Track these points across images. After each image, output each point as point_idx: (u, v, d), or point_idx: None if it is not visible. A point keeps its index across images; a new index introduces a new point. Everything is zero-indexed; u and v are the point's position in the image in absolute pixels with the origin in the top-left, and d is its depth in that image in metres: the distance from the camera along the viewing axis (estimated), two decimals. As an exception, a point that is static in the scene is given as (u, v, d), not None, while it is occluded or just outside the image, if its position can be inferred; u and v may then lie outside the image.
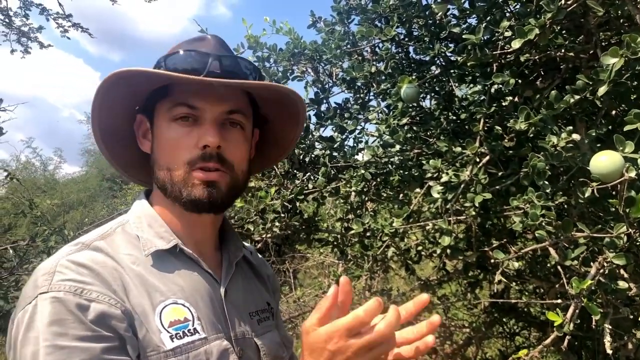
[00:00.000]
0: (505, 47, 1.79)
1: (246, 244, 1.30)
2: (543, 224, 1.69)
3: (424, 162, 2.04)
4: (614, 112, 1.87)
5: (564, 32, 1.84)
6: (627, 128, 1.39)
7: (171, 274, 0.97)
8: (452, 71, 2.11)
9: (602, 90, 1.41)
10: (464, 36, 1.81)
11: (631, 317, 1.74)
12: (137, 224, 1.02)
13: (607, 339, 1.67)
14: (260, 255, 1.35)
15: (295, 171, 2.37)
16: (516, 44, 1.56)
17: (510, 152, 1.94)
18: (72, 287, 0.84)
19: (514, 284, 3.01)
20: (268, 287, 1.25)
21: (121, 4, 5.32)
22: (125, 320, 0.85)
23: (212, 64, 0.98)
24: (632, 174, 1.35)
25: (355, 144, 2.37)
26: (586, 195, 1.60)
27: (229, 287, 1.07)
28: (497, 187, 1.86)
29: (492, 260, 1.78)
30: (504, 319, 3.33)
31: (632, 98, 1.71)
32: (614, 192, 1.71)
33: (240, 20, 2.52)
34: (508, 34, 1.74)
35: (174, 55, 0.99)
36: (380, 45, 2.30)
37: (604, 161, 1.38)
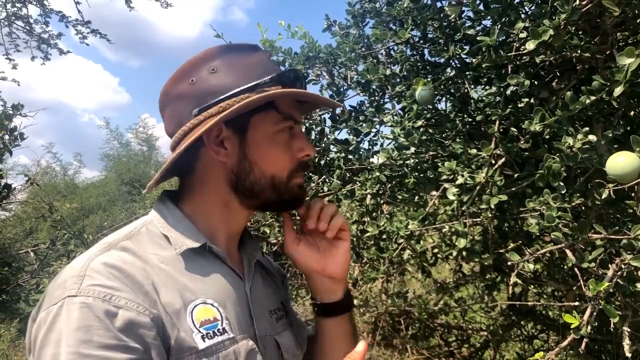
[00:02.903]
0: (521, 49, 1.79)
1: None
2: (559, 225, 1.68)
3: (439, 164, 2.04)
4: (632, 113, 1.85)
5: (579, 32, 1.83)
6: (643, 128, 1.38)
7: (200, 273, 1.00)
8: (467, 73, 2.10)
9: (617, 90, 1.40)
10: (478, 38, 1.80)
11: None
12: (164, 223, 1.05)
13: (627, 342, 1.65)
14: (267, 256, 1.38)
15: (310, 174, 2.38)
16: (530, 45, 1.55)
17: (526, 153, 1.93)
18: (101, 293, 0.84)
19: (531, 286, 2.98)
20: (277, 283, 1.28)
21: (138, 10, 5.39)
22: (153, 328, 0.86)
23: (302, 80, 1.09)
24: (650, 175, 1.34)
25: (370, 147, 2.37)
26: (603, 196, 1.59)
27: (252, 285, 1.10)
28: (513, 189, 1.85)
29: (509, 263, 1.77)
30: (522, 322, 3.30)
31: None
32: (632, 194, 1.70)
33: (256, 25, 2.54)
34: (523, 35, 1.73)
35: (287, 72, 1.05)
36: (395, 48, 2.30)
37: (620, 162, 1.37)
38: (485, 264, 2.42)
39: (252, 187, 1.06)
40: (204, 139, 1.04)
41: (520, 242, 1.96)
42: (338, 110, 2.30)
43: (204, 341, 0.92)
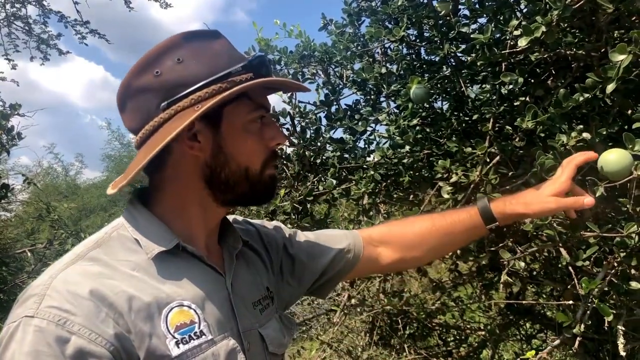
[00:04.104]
0: (516, 47, 1.78)
1: (239, 217, 1.31)
2: (554, 224, 1.67)
3: (435, 162, 2.03)
4: (630, 111, 1.84)
5: (574, 30, 1.82)
6: (635, 125, 1.37)
7: (175, 276, 0.97)
8: (462, 71, 2.10)
9: (609, 87, 1.39)
10: (472, 35, 1.80)
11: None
12: (134, 226, 1.01)
13: (621, 341, 1.64)
14: (259, 222, 1.34)
15: (306, 173, 2.38)
16: (522, 42, 1.55)
17: (521, 152, 1.93)
18: (56, 317, 0.82)
19: (530, 286, 2.97)
20: (267, 263, 1.24)
21: (140, 11, 5.40)
22: (104, 357, 0.83)
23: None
24: (642, 172, 1.33)
25: (366, 146, 2.37)
26: (597, 194, 1.58)
27: (234, 280, 1.07)
28: (508, 187, 1.85)
29: (501, 261, 1.76)
30: (520, 322, 3.28)
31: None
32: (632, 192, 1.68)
33: (259, 25, 2.52)
34: (517, 33, 1.72)
35: (255, 59, 1.02)
36: (392, 46, 2.30)
37: (612, 159, 1.35)
38: (483, 263, 2.41)
39: (227, 180, 1.02)
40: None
41: (512, 240, 1.95)
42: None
43: (179, 347, 0.89)
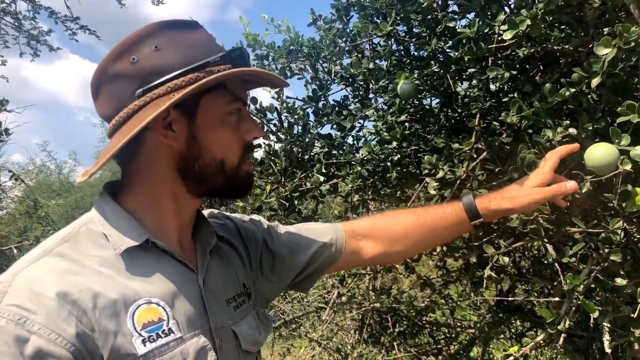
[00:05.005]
0: (503, 42, 1.76)
1: (216, 211, 1.28)
2: (540, 220, 1.66)
3: (422, 158, 2.02)
4: (619, 108, 1.83)
5: (562, 25, 1.81)
6: (620, 120, 1.36)
7: (144, 272, 0.94)
8: (450, 67, 2.08)
9: (594, 81, 1.38)
10: (458, 30, 1.78)
11: (632, 315, 1.70)
12: (103, 221, 0.98)
13: (606, 338, 1.63)
14: (238, 216, 1.32)
15: (293, 169, 2.36)
16: (507, 36, 1.53)
17: (508, 148, 1.91)
18: (17, 315, 0.80)
19: (520, 284, 2.96)
20: (244, 259, 1.22)
21: (136, 9, 5.37)
22: (65, 357, 0.81)
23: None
24: (627, 167, 1.32)
25: (354, 142, 2.35)
26: (584, 190, 1.57)
27: (206, 276, 1.05)
28: (494, 183, 1.83)
29: (489, 256, 1.75)
30: (510, 320, 3.27)
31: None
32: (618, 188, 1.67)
33: (254, 23, 2.49)
34: (504, 27, 1.71)
35: (234, 51, 1.01)
36: (380, 42, 2.28)
37: (597, 154, 1.34)
38: (473, 261, 2.40)
39: (201, 172, 1.00)
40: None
41: (499, 236, 1.94)
42: None
43: (145, 345, 0.87)
